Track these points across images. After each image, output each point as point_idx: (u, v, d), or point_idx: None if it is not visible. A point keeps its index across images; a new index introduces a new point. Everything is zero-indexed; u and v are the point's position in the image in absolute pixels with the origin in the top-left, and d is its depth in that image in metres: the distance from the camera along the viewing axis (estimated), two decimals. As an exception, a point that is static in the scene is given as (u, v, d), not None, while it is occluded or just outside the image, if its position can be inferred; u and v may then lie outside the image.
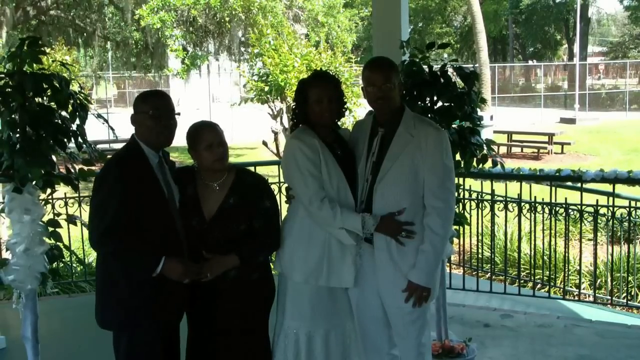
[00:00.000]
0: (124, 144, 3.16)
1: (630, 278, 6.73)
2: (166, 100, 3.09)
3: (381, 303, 3.26)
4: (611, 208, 5.82)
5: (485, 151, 4.24)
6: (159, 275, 2.94)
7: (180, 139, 3.16)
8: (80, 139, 3.72)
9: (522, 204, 5.84)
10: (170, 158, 3.25)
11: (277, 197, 5.78)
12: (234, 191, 3.10)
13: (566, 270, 6.62)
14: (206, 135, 3.05)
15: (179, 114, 3.11)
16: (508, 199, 5.94)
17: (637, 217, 6.21)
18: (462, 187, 5.71)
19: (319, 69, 3.78)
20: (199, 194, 3.12)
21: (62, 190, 3.98)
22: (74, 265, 6.75)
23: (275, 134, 12.18)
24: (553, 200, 5.88)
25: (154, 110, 3.00)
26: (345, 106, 3.46)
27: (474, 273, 6.64)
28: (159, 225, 2.99)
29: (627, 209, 5.94)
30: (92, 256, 6.73)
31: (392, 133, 3.14)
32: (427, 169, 3.06)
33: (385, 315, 3.28)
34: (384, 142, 3.16)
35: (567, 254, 6.46)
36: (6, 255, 3.87)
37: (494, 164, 4.48)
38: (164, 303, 3.02)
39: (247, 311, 3.19)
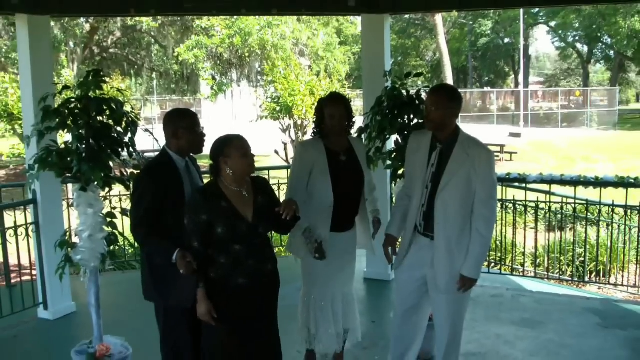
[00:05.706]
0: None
1: (562, 258, 6.77)
2: (197, 117, 3.09)
3: (422, 284, 3.14)
4: (548, 203, 5.84)
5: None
6: None
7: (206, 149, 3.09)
8: (131, 149, 3.73)
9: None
10: (199, 163, 3.24)
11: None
12: (256, 192, 2.86)
13: (514, 252, 6.63)
14: (243, 144, 2.77)
15: (203, 128, 3.10)
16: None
17: (567, 210, 6.22)
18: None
19: (329, 92, 3.82)
20: (233, 203, 2.77)
21: (117, 189, 3.98)
22: (127, 248, 6.75)
23: (285, 144, 12.14)
24: (504, 197, 5.89)
25: (195, 126, 3.01)
26: (353, 120, 3.54)
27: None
28: (180, 220, 2.84)
29: (560, 204, 6.01)
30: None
31: (449, 150, 3.02)
32: (479, 182, 2.96)
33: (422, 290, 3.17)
34: (441, 157, 3.04)
35: (514, 239, 6.47)
36: (75, 239, 3.86)
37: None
38: (189, 279, 2.83)
39: (265, 302, 2.89)
